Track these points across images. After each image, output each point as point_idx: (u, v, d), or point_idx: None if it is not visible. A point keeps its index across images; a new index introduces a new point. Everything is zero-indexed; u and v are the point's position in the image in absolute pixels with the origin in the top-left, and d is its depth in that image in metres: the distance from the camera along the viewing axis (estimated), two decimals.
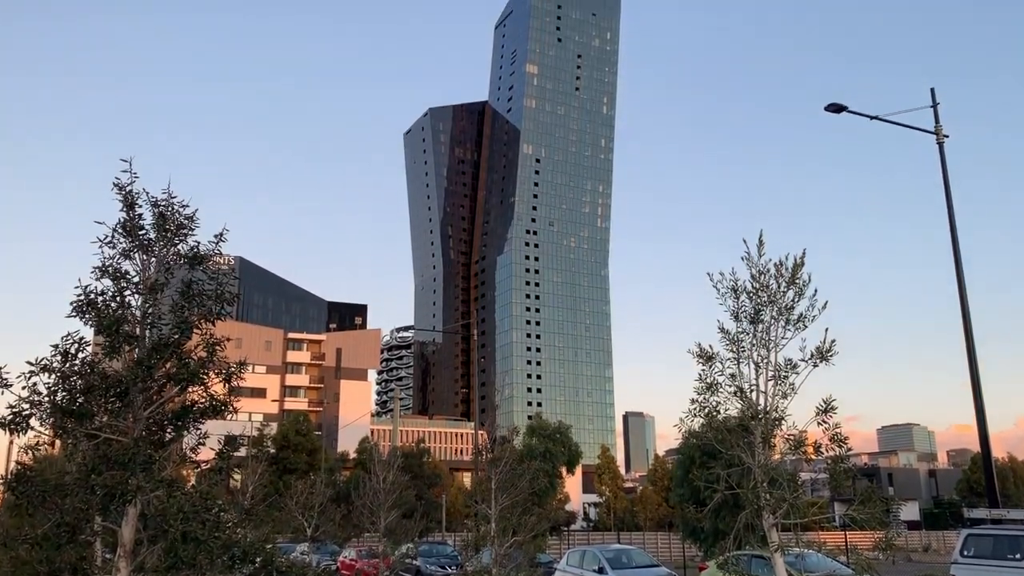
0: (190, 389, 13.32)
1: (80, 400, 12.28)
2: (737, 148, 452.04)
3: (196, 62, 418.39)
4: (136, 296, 13.24)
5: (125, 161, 13.46)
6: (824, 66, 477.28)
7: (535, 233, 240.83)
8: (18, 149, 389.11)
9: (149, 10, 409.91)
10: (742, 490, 14.50)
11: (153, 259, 13.41)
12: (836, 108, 24.42)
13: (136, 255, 13.36)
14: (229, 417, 14.02)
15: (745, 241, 15.51)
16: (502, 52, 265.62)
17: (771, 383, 14.86)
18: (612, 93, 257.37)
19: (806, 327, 14.95)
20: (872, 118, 24.97)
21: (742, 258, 15.59)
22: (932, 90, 24.77)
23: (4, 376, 12.13)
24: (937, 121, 24.50)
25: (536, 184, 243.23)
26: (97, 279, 13.00)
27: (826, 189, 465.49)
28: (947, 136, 24.33)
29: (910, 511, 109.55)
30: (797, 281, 15.04)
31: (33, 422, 12.20)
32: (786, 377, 14.82)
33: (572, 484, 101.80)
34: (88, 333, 13.48)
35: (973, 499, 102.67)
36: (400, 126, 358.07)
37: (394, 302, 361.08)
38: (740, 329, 15.32)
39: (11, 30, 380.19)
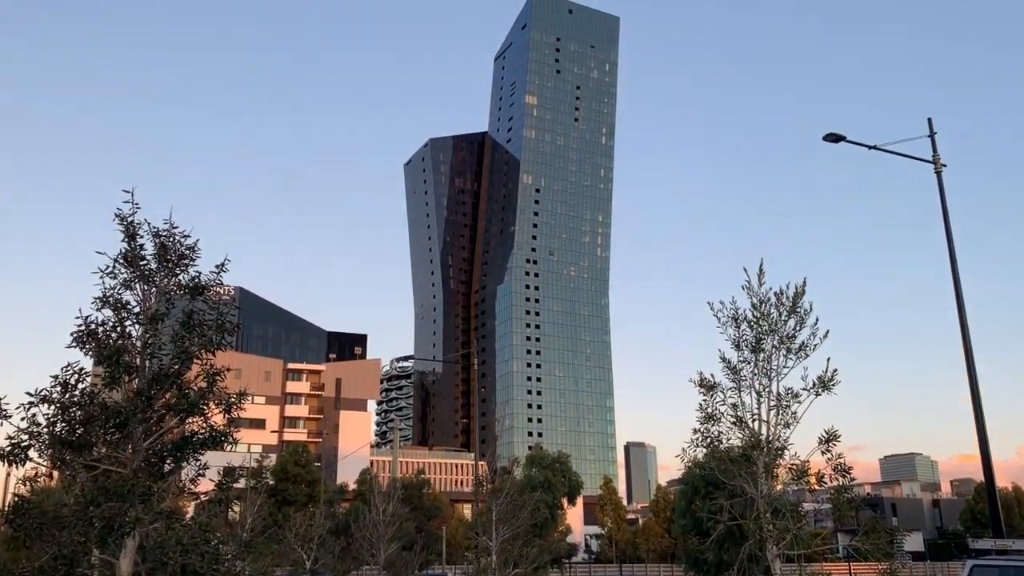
0: (190, 420, 13.28)
1: (79, 431, 12.23)
2: (737, 177, 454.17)
3: (198, 90, 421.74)
4: (137, 326, 13.25)
5: (127, 192, 13.55)
6: (825, 94, 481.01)
7: (535, 262, 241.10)
8: (19, 173, 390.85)
9: (155, 39, 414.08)
10: (745, 520, 14.41)
11: (154, 289, 13.44)
12: (834, 138, 24.54)
13: (137, 285, 13.39)
14: (228, 448, 13.97)
15: (746, 270, 15.58)
16: (502, 84, 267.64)
17: (773, 412, 14.83)
18: (611, 124, 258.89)
19: (807, 356, 14.95)
20: (870, 147, 25.07)
21: (742, 287, 15.65)
22: (929, 120, 24.92)
23: (3, 407, 12.11)
24: (935, 150, 24.61)
25: (536, 214, 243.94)
26: (98, 309, 13.03)
27: (827, 217, 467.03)
28: (945, 165, 24.43)
29: (914, 542, 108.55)
30: (798, 310, 15.07)
31: (32, 453, 12.15)
32: (788, 406, 14.79)
33: (573, 515, 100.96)
34: (88, 363, 13.47)
35: (978, 529, 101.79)
36: (401, 156, 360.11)
37: (394, 332, 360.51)
38: (741, 358, 15.33)
39: (9, 46, 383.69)
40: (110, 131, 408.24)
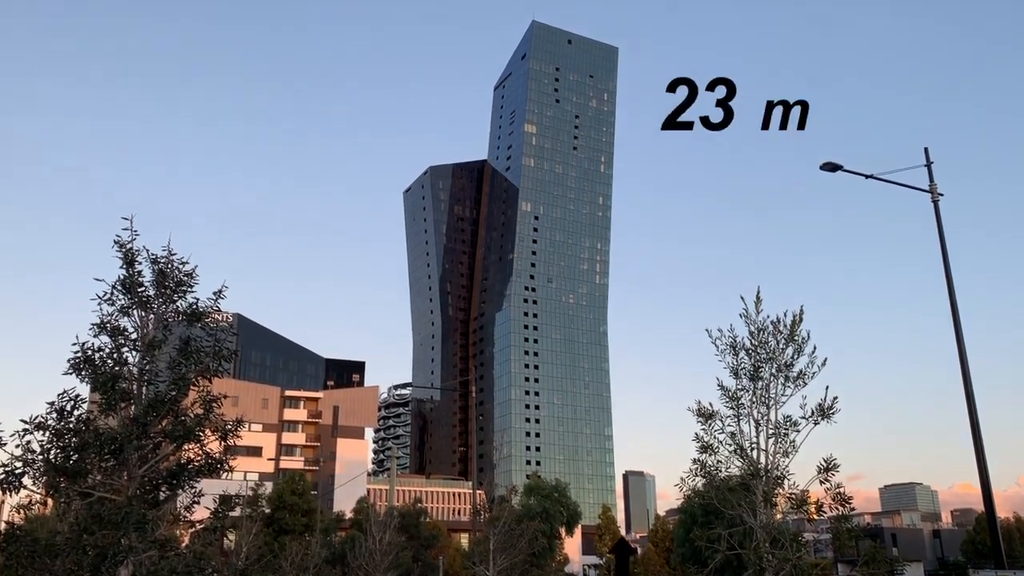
0: (186, 446, 13.22)
1: (74, 458, 12.16)
2: (736, 204, 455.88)
3: (198, 117, 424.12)
4: (134, 353, 13.23)
5: (126, 219, 13.61)
6: (824, 123, 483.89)
7: (534, 290, 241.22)
8: (17, 197, 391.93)
9: (158, 65, 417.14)
10: (744, 550, 14.29)
11: (152, 316, 13.44)
12: (832, 167, 24.63)
13: (135, 312, 13.39)
14: (224, 476, 13.89)
15: (743, 298, 15.61)
16: (501, 112, 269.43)
17: (771, 441, 14.78)
18: (609, 152, 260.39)
19: (806, 384, 14.93)
20: (867, 176, 25.15)
21: (740, 315, 15.67)
22: (926, 149, 25.03)
23: None
24: (932, 179, 24.69)
25: (535, 241, 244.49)
26: (95, 336, 13.02)
27: (825, 245, 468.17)
28: (942, 194, 24.49)
29: (915, 572, 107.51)
30: (796, 338, 15.08)
31: (26, 480, 12.07)
32: (787, 435, 14.75)
33: (571, 545, 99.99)
34: (85, 390, 13.43)
35: (979, 560, 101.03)
36: (400, 184, 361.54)
37: (392, 359, 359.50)
38: (739, 386, 15.31)
39: (5, 62, 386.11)
40: (109, 154, 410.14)
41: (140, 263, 13.52)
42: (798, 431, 14.75)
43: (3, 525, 14.37)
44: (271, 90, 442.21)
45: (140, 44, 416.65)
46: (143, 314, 13.40)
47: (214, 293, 13.96)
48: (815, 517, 14.96)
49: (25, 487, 12.22)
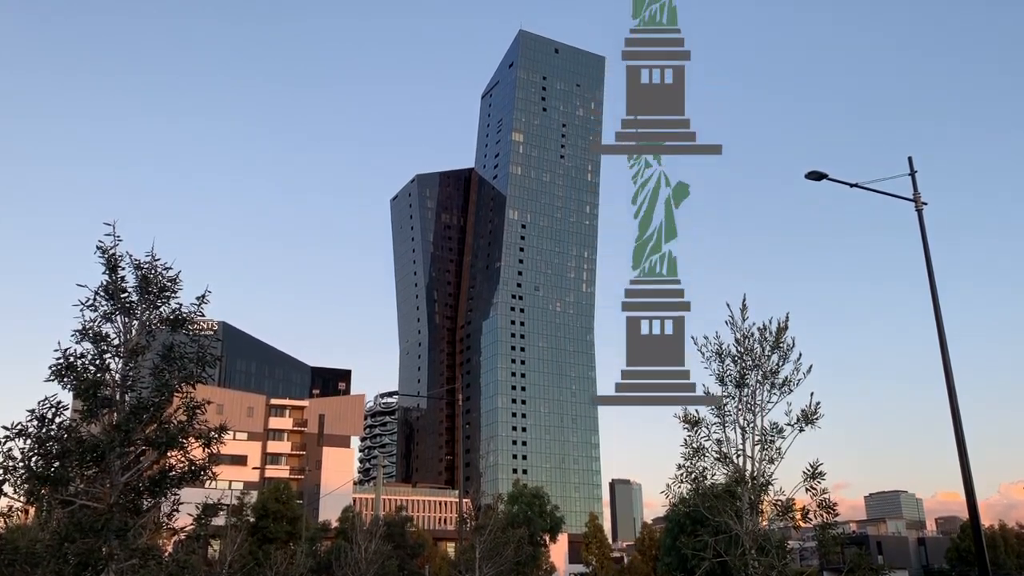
0: (169, 454, 13.11)
1: (56, 465, 12.04)
2: (721, 210, 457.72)
3: (181, 121, 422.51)
4: (116, 359, 13.13)
5: (108, 225, 13.53)
6: (810, 130, 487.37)
7: (520, 298, 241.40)
8: None
9: (139, 67, 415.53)
10: (730, 557, 14.30)
11: (135, 322, 13.35)
12: (816, 176, 24.76)
13: (117, 318, 13.29)
14: (208, 484, 13.79)
15: (728, 305, 15.66)
16: (488, 120, 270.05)
17: (757, 447, 14.82)
18: (596, 161, 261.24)
19: (791, 391, 15.00)
20: (852, 185, 25.30)
21: (726, 322, 15.74)
22: (910, 158, 25.19)
23: None
24: (915, 189, 24.85)
25: (521, 249, 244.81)
26: (77, 342, 12.92)
27: (810, 253, 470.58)
28: (926, 203, 24.64)
29: None
30: (781, 345, 15.14)
31: (6, 488, 11.94)
32: (772, 441, 14.80)
33: (557, 553, 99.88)
34: (67, 397, 13.31)
35: (963, 567, 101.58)
36: (387, 192, 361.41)
37: (379, 367, 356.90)
38: (726, 393, 15.36)
39: None
40: (92, 157, 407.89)
41: (123, 268, 13.43)
42: (783, 438, 14.79)
43: None
44: (257, 97, 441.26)
45: (123, 43, 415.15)
46: (126, 320, 13.31)
47: (197, 298, 13.91)
48: (801, 524, 14.98)
49: (5, 495, 12.09)
